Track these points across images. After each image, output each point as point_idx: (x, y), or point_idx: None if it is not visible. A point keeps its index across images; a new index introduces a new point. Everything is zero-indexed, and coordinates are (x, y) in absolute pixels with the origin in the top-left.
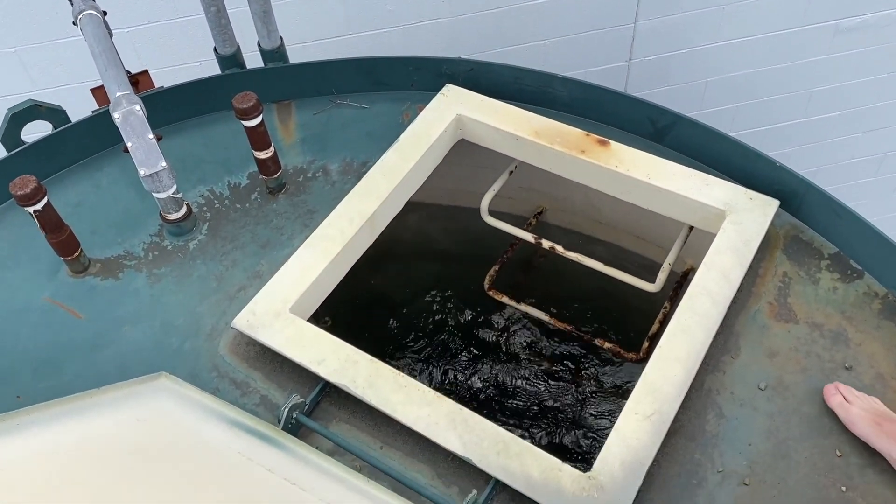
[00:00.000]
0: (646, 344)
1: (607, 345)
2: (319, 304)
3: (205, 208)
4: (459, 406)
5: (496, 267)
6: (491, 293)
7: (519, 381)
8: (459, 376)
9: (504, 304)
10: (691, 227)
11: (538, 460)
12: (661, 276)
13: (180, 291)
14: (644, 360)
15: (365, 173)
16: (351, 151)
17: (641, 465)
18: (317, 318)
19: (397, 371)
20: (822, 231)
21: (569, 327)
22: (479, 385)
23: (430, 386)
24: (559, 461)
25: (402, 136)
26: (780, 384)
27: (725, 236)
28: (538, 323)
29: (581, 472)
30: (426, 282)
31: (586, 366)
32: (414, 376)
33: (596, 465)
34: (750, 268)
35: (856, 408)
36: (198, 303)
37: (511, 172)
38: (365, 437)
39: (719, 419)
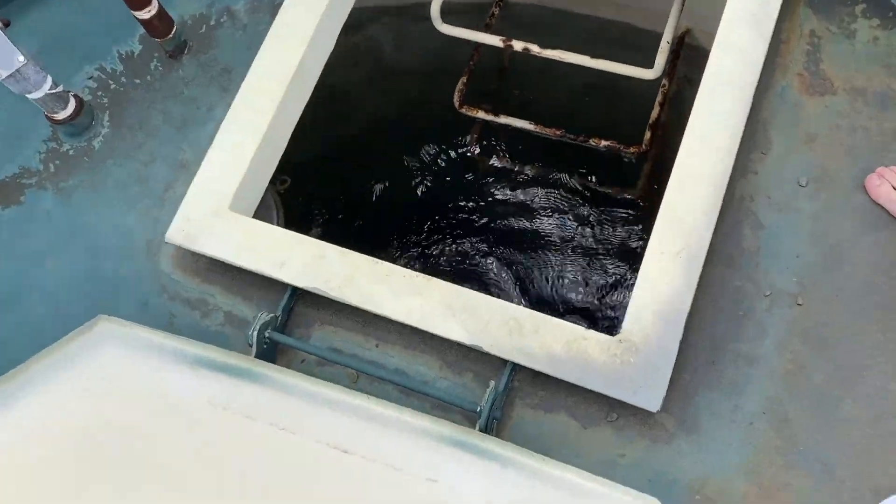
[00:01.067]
0: (648, 134)
1: (604, 143)
2: (263, 190)
3: (99, 93)
4: (456, 287)
5: (464, 79)
6: (464, 110)
7: (514, 218)
8: (445, 223)
9: (480, 119)
10: None
11: (558, 333)
12: (660, 59)
13: (99, 204)
14: (648, 153)
15: (279, 6)
16: None
17: (679, 314)
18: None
19: (374, 259)
20: None
21: (558, 132)
22: (471, 232)
23: (417, 238)
24: (582, 328)
25: None
26: (824, 174)
27: (737, 1)
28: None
29: (609, 337)
30: (387, 112)
31: (586, 176)
32: (398, 233)
33: (625, 324)
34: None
35: None
36: (123, 214)
37: None
38: (355, 338)
39: (757, 232)
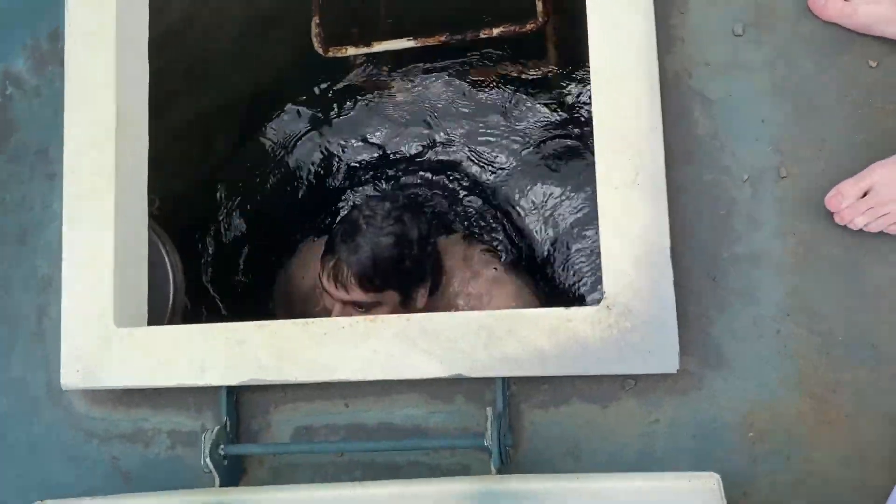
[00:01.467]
0: (539, 4)
1: (497, 30)
2: (145, 283)
3: None
4: (404, 317)
5: (315, 19)
6: (331, 53)
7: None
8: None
9: (353, 57)
10: None
11: (537, 325)
12: None
13: None
14: (546, 24)
15: (63, 51)
16: (24, 25)
17: (661, 251)
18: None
19: (303, 321)
20: None
21: (442, 38)
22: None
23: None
24: (562, 309)
25: None
26: (760, 13)
27: None
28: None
29: (595, 308)
30: (243, 90)
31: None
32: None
33: (606, 285)
34: None
35: (860, 3)
36: (4, 367)
37: None
38: (320, 406)
39: (709, 109)
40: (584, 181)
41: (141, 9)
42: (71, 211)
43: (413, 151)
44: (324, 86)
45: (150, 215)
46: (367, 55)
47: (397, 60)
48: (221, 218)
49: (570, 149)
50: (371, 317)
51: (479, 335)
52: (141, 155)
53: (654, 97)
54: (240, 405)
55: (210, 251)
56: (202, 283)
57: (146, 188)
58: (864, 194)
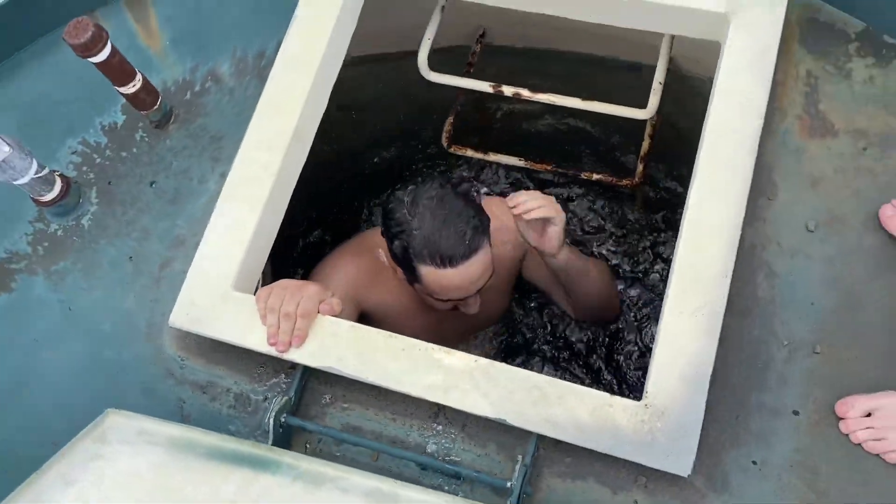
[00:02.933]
0: (640, 166)
1: (596, 176)
2: (264, 263)
3: (84, 168)
4: (474, 357)
5: (450, 119)
6: (453, 150)
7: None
8: None
9: (469, 157)
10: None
11: (583, 400)
12: (653, 100)
13: (94, 287)
14: (640, 185)
15: (267, 69)
16: (239, 40)
17: (702, 375)
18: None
19: (388, 333)
20: (841, 3)
21: (548, 167)
22: None
23: None
24: (608, 395)
25: (299, 7)
26: (833, 218)
27: (735, 48)
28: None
29: (636, 402)
30: (377, 163)
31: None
32: None
33: (649, 388)
34: None
35: None
36: (120, 297)
37: (443, 8)
38: (371, 414)
39: (771, 280)
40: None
41: (340, 51)
42: (230, 189)
43: None
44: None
45: None
46: (479, 160)
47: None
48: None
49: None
50: (448, 350)
51: (531, 393)
52: (299, 166)
53: (730, 255)
54: (305, 388)
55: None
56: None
57: (292, 191)
58: (870, 413)
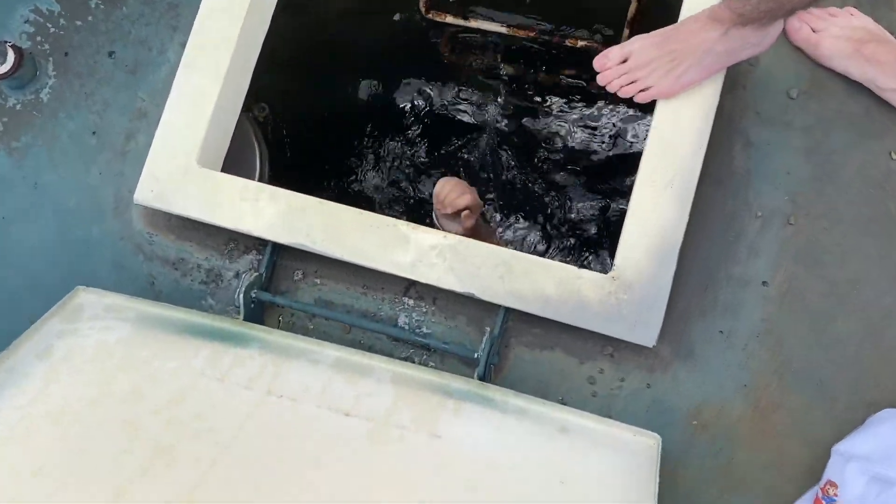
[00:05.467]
0: (626, 31)
1: (581, 43)
2: (229, 139)
3: (38, 38)
4: (443, 234)
5: None
6: (431, 16)
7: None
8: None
9: (448, 24)
10: None
11: (550, 274)
12: None
13: (57, 162)
14: None
15: None
16: None
17: (671, 248)
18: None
19: (358, 209)
20: None
21: (531, 32)
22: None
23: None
24: (576, 268)
25: None
26: (815, 83)
27: None
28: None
29: (602, 275)
30: (351, 25)
31: (563, 86)
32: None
33: (617, 260)
34: None
35: (826, 36)
36: (84, 171)
37: None
38: (342, 288)
39: (747, 150)
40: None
41: None
42: (189, 58)
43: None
44: (414, 43)
45: (254, 119)
46: (462, 27)
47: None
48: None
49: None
50: (415, 225)
51: (498, 268)
52: (260, 35)
53: (706, 125)
54: (277, 265)
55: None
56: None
57: (255, 60)
58: (625, 61)
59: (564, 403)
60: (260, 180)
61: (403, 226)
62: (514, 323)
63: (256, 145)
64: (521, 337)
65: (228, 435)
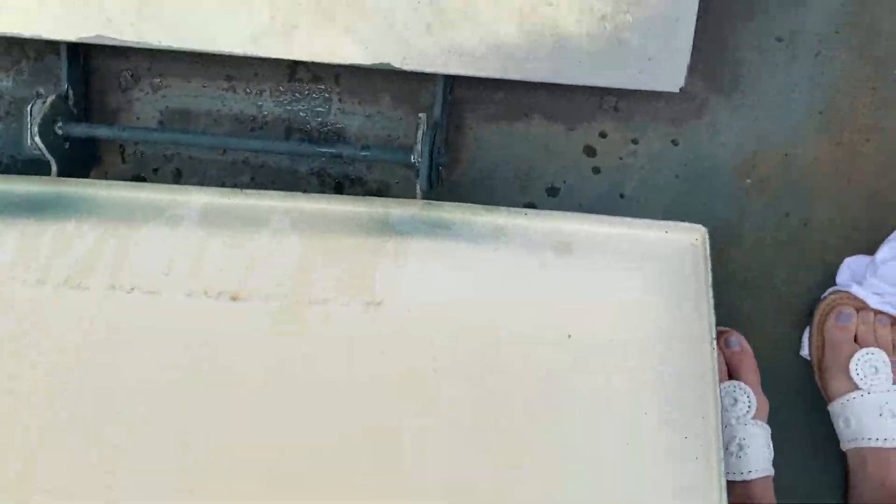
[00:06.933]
0: None
1: None
2: None
3: None
4: None
5: None
6: None
7: None
8: None
9: None
10: None
11: (504, 4)
12: None
13: None
14: None
15: None
16: None
17: None
18: None
19: None
20: None
21: None
22: None
23: None
24: None
25: None
26: None
27: None
28: None
29: None
30: None
31: None
32: None
33: None
34: None
35: None
36: None
37: None
38: (194, 86)
39: None
40: None
41: None
42: None
43: None
44: None
45: None
46: None
47: None
48: None
49: None
50: None
51: (421, 12)
52: None
53: None
54: (91, 76)
55: None
56: None
57: None
58: None
59: (556, 192)
60: None
61: None
62: (465, 92)
63: None
64: (480, 110)
65: (63, 370)
